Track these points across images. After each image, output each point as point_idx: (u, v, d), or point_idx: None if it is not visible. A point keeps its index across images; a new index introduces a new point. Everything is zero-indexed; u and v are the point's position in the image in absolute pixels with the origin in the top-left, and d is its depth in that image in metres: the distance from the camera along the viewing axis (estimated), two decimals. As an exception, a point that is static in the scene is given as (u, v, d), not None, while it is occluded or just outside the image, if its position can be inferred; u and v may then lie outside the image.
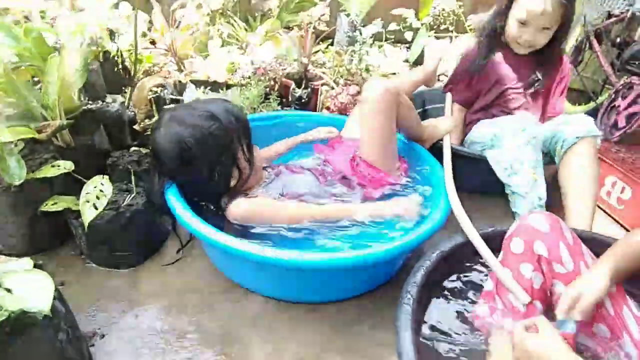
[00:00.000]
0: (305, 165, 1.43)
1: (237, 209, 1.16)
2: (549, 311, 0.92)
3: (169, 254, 1.34)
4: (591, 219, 1.33)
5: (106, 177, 1.23)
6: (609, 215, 1.71)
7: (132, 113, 1.70)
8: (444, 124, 1.65)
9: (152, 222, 1.33)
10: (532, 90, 1.69)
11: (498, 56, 1.71)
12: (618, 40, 2.17)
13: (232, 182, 1.20)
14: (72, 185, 1.26)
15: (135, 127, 1.62)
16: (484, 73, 1.72)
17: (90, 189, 1.18)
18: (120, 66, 1.73)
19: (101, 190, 1.19)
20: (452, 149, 1.54)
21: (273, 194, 1.25)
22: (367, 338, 1.10)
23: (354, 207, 1.24)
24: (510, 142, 1.45)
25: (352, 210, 1.21)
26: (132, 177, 1.30)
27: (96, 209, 1.16)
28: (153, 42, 2.38)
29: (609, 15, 2.26)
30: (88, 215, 1.13)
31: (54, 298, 0.82)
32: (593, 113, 2.21)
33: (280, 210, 1.18)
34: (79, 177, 1.24)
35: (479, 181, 1.57)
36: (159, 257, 1.33)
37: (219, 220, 1.19)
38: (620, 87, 2.00)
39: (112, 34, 1.82)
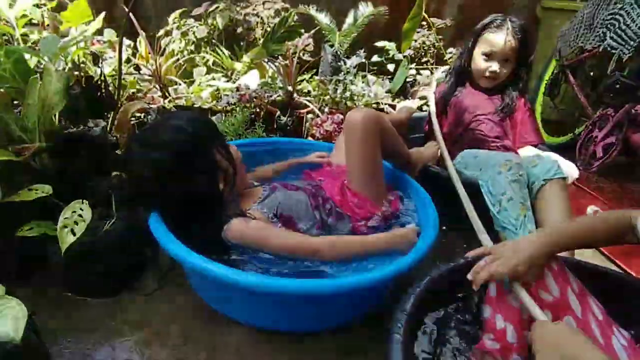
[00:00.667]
0: (301, 185, 1.41)
1: (232, 229, 1.14)
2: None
3: (149, 283, 1.29)
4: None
5: (85, 202, 1.19)
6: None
7: (115, 138, 1.67)
8: (430, 149, 1.70)
9: (132, 249, 1.28)
10: (502, 115, 1.77)
11: (467, 89, 1.84)
12: (592, 73, 2.26)
13: (221, 186, 1.18)
14: (50, 209, 1.21)
15: (118, 152, 1.58)
16: (455, 105, 1.84)
17: (68, 214, 1.14)
18: (103, 91, 1.70)
19: (80, 216, 1.15)
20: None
21: (268, 214, 1.22)
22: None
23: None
24: (498, 178, 1.46)
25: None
26: (113, 203, 1.26)
27: (74, 234, 1.11)
28: (137, 68, 2.37)
29: (582, 51, 2.36)
30: (66, 241, 1.08)
31: (26, 327, 0.77)
32: (571, 144, 2.29)
33: (274, 240, 1.15)
34: (58, 201, 1.19)
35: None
36: (139, 286, 1.28)
37: (215, 245, 1.16)
38: (597, 119, 2.07)
39: (95, 58, 1.80)
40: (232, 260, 1.15)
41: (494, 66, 1.72)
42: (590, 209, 1.75)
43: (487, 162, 1.51)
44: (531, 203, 1.43)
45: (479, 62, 1.76)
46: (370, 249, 1.20)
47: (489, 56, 1.73)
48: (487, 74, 1.75)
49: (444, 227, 1.48)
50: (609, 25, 2.11)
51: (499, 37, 1.69)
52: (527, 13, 3.25)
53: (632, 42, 1.95)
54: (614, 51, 2.07)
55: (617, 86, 1.80)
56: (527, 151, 1.73)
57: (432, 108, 1.88)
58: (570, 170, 1.62)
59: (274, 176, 1.58)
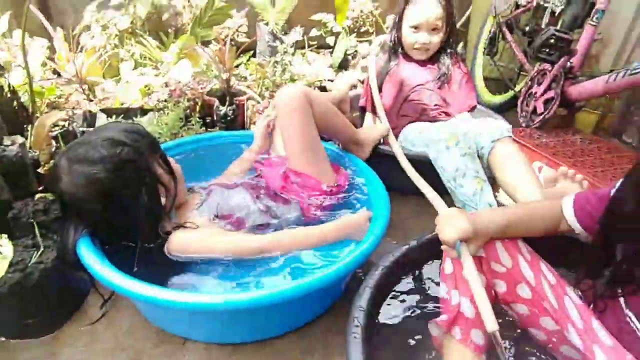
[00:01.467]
0: (238, 181, 1.36)
1: (173, 243, 1.08)
2: (496, 313, 0.91)
3: (92, 311, 1.19)
4: (539, 189, 1.34)
5: (4, 235, 1.08)
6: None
7: (37, 154, 1.53)
8: (380, 127, 1.66)
9: (67, 278, 1.18)
10: (439, 83, 1.76)
11: (402, 62, 1.83)
12: (527, 29, 2.27)
13: (163, 200, 1.11)
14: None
15: (40, 170, 1.45)
16: (392, 78, 1.81)
17: (-15, 253, 1.03)
18: (16, 104, 1.54)
19: (0, 253, 1.04)
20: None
21: (208, 216, 1.16)
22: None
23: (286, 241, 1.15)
24: (447, 154, 1.43)
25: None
26: (37, 230, 1.15)
27: (-5, 274, 1.00)
28: (56, 72, 2.18)
29: (517, 6, 2.36)
30: (-15, 283, 0.98)
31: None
32: (512, 101, 2.31)
33: (218, 247, 1.09)
34: (-29, 240, 1.07)
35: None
36: (81, 316, 1.18)
37: (157, 260, 1.09)
38: (535, 75, 2.09)
39: (0, 68, 1.62)
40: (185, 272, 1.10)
41: (423, 37, 1.73)
42: (535, 165, 1.77)
43: (433, 137, 1.49)
44: (486, 165, 1.43)
45: (407, 35, 1.75)
46: (318, 242, 1.15)
47: (416, 28, 1.72)
48: (418, 46, 1.75)
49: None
50: (538, -22, 2.11)
51: (423, 8, 1.68)
52: (460, -29, 3.22)
53: (562, -6, 1.96)
54: (547, 5, 2.08)
55: (552, 41, 1.80)
56: (466, 115, 1.73)
57: (373, 79, 1.83)
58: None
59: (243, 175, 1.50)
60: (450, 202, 1.34)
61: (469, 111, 1.77)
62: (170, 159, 1.20)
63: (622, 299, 0.84)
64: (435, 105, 1.74)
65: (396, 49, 1.84)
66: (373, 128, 1.68)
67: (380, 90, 1.83)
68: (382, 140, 1.66)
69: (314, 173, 1.31)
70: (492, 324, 0.80)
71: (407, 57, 1.83)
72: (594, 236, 0.90)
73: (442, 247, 0.92)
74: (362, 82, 2.22)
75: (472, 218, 0.88)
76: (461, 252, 0.87)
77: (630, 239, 0.81)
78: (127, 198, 1.05)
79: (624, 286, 0.84)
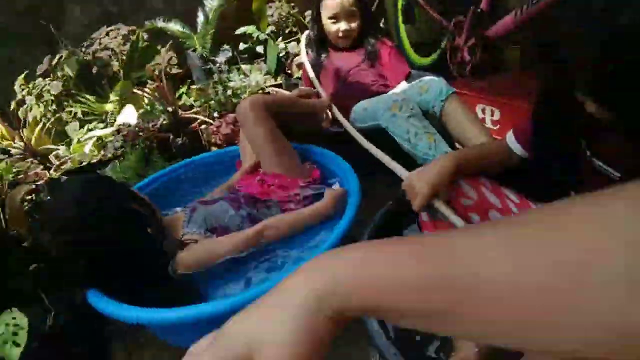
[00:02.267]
0: (217, 196, 1.43)
1: (180, 262, 1.14)
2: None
3: (120, 356, 1.24)
4: (487, 137, 1.52)
5: (15, 309, 1.11)
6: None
7: (15, 232, 1.55)
8: (323, 98, 1.83)
9: (86, 333, 1.23)
10: (369, 62, 1.88)
11: (331, 53, 1.94)
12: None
13: (150, 230, 1.15)
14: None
15: (25, 244, 1.47)
16: (326, 70, 1.93)
17: (2, 328, 1.06)
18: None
19: (16, 325, 1.08)
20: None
21: (198, 231, 1.22)
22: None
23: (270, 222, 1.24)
24: (395, 120, 1.55)
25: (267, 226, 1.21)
26: (44, 296, 1.19)
27: (18, 345, 1.05)
28: (5, 152, 2.17)
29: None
30: (13, 355, 1.02)
31: None
32: (443, 58, 2.47)
33: (222, 248, 1.16)
34: (-17, 323, 1.10)
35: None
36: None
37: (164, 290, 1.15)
38: (453, 28, 2.25)
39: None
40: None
41: (343, 25, 1.83)
42: (479, 107, 1.93)
43: (378, 108, 1.60)
44: (439, 123, 1.57)
45: (328, 26, 1.85)
46: (309, 220, 1.25)
47: (335, 18, 1.82)
48: (340, 34, 1.85)
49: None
50: None
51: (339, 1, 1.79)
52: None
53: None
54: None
55: None
56: (404, 84, 1.86)
57: (307, 64, 1.96)
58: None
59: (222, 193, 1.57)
60: (412, 163, 1.48)
61: (405, 79, 1.90)
62: (135, 192, 1.24)
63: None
64: (373, 81, 1.86)
65: (322, 41, 1.94)
66: (320, 100, 1.83)
67: (320, 83, 1.94)
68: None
69: (288, 172, 1.40)
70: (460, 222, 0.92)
71: (335, 48, 1.94)
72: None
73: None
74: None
75: (429, 176, 0.97)
76: (437, 208, 0.96)
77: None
78: (119, 243, 1.09)
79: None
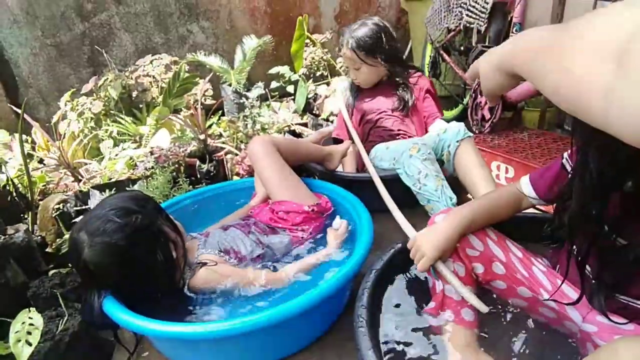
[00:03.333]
0: (229, 222, 1.51)
1: (200, 278, 1.21)
2: (481, 292, 1.05)
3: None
4: (492, 186, 1.58)
5: (33, 309, 1.17)
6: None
7: (39, 237, 1.63)
8: (344, 144, 1.92)
9: (93, 339, 1.27)
10: (403, 111, 1.98)
11: (364, 94, 2.06)
12: (462, 48, 2.55)
13: (174, 254, 1.22)
14: (-5, 331, 1.18)
15: (48, 250, 1.55)
16: (359, 109, 2.06)
17: (18, 326, 1.12)
18: (14, 194, 1.66)
19: (31, 324, 1.13)
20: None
21: (213, 252, 1.29)
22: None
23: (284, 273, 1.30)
24: (411, 161, 1.65)
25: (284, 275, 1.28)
26: (61, 300, 1.25)
27: (30, 345, 1.09)
28: (40, 161, 2.30)
29: (449, 31, 2.65)
30: (24, 354, 1.06)
31: None
32: (464, 114, 2.55)
33: (245, 279, 1.23)
34: (2, 318, 1.16)
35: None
36: (111, 372, 1.26)
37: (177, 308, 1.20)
38: (477, 87, 2.33)
39: (-2, 165, 1.74)
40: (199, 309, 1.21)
41: (352, 74, 2.00)
42: (494, 163, 1.98)
43: (398, 150, 1.71)
44: (451, 162, 1.68)
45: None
46: (315, 268, 1.31)
47: (347, 68, 2.02)
48: (355, 82, 2.03)
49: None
50: (462, 5, 2.40)
51: (345, 52, 1.95)
52: (394, 9, 3.57)
53: (483, 15, 2.24)
54: (472, 26, 2.36)
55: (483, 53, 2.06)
56: (435, 126, 1.94)
57: (344, 109, 2.08)
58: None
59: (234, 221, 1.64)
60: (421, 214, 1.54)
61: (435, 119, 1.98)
62: (170, 217, 1.33)
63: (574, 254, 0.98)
64: (399, 130, 1.96)
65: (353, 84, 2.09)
66: (338, 147, 1.92)
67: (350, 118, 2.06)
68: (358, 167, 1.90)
69: (294, 198, 1.50)
70: (480, 305, 0.96)
71: (364, 89, 2.06)
72: (553, 200, 1.00)
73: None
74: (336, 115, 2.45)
75: (436, 239, 1.00)
76: (440, 271, 1.00)
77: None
78: (145, 259, 1.16)
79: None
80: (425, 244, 1.01)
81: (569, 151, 0.98)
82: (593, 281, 0.88)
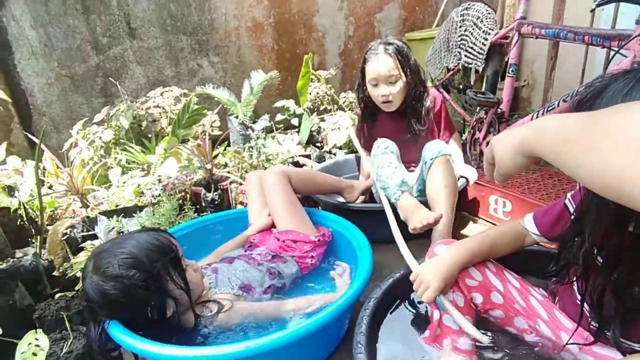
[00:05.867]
0: (233, 255, 1.53)
1: (219, 322, 1.22)
2: (479, 321, 1.08)
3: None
4: (449, 213, 1.63)
5: (39, 330, 1.20)
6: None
7: (46, 261, 1.67)
8: (368, 181, 1.95)
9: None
10: (412, 141, 1.95)
11: (379, 120, 2.01)
12: (461, 87, 2.64)
13: (169, 313, 1.18)
14: (0, 351, 1.20)
15: (55, 273, 1.58)
16: (372, 137, 1.97)
17: (24, 347, 1.14)
18: (25, 218, 1.71)
19: (37, 346, 1.16)
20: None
21: (231, 292, 1.31)
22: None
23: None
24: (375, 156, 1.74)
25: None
26: (67, 323, 1.28)
27: (35, 366, 1.12)
28: (50, 187, 2.36)
29: (448, 70, 2.75)
30: (29, 375, 1.09)
31: None
32: (463, 148, 2.62)
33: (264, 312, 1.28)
34: (9, 339, 1.19)
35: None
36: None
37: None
38: (475, 123, 2.41)
39: (11, 190, 1.80)
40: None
41: (383, 90, 1.84)
42: (492, 197, 2.03)
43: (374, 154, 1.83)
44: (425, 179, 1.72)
45: (371, 91, 1.90)
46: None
47: (376, 82, 1.85)
48: (381, 99, 1.87)
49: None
50: (461, 46, 2.51)
51: (376, 62, 1.81)
52: (396, 47, 3.71)
53: (480, 56, 2.34)
54: (470, 66, 2.46)
55: (473, 100, 2.14)
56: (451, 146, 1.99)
57: (356, 143, 2.13)
58: (471, 173, 1.92)
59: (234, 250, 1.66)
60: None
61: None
62: (193, 264, 1.29)
63: (575, 289, 1.00)
64: (410, 160, 1.96)
65: (368, 106, 2.02)
66: (362, 182, 1.98)
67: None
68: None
69: (300, 228, 1.56)
70: (481, 336, 0.99)
71: (383, 113, 1.98)
72: (556, 238, 1.04)
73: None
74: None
75: (440, 270, 1.03)
76: (442, 304, 1.04)
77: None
78: (133, 311, 1.15)
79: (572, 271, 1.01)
80: (429, 275, 1.04)
81: (572, 192, 1.02)
82: (601, 316, 0.88)
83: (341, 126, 2.77)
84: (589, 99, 0.75)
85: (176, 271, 1.20)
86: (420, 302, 1.22)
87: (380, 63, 1.80)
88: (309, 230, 1.59)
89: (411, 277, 1.11)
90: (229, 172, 2.35)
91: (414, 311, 1.23)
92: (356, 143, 2.13)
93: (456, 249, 1.07)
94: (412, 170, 1.97)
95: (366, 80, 1.89)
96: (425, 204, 1.69)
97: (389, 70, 1.81)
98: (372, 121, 2.06)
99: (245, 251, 1.58)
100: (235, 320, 1.23)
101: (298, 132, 3.01)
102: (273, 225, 1.67)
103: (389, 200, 1.72)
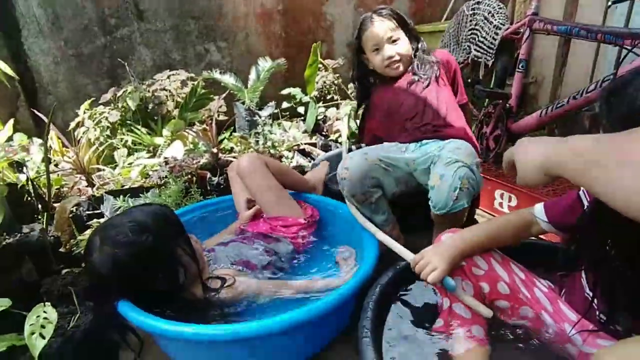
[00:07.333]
0: (225, 240, 1.54)
1: (223, 295, 1.23)
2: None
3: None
4: None
5: (48, 304, 1.21)
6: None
7: (53, 237, 1.68)
8: (321, 168, 1.97)
9: (102, 337, 1.30)
10: (423, 79, 1.73)
11: (382, 89, 1.82)
12: (469, 80, 2.64)
13: (181, 279, 1.21)
14: (9, 323, 1.21)
15: (61, 249, 1.59)
16: (376, 109, 1.84)
17: (33, 319, 1.15)
18: (33, 194, 1.71)
19: (45, 318, 1.16)
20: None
21: (226, 266, 1.33)
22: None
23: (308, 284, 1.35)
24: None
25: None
26: (75, 298, 1.29)
27: (43, 338, 1.12)
28: (55, 165, 2.37)
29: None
30: (37, 346, 1.10)
31: None
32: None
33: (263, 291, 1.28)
34: (18, 311, 1.20)
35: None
36: (117, 371, 1.29)
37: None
38: (482, 117, 2.41)
39: (19, 165, 1.80)
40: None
41: (388, 51, 1.72)
42: (498, 192, 2.03)
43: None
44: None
45: (374, 59, 1.76)
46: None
47: (378, 48, 1.73)
48: (387, 62, 1.73)
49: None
50: (471, 40, 2.51)
51: (373, 27, 1.71)
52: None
53: (491, 51, 2.34)
54: (480, 60, 2.46)
55: (481, 93, 2.14)
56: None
57: (344, 142, 2.09)
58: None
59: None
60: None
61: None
62: (192, 237, 1.32)
63: (583, 280, 1.00)
64: (425, 102, 1.69)
65: (365, 83, 1.88)
66: (315, 172, 1.98)
67: (371, 119, 1.89)
68: None
69: (288, 213, 1.57)
70: (485, 310, 1.00)
71: (387, 80, 1.81)
72: (565, 229, 1.04)
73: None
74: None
75: (445, 250, 1.05)
76: (449, 284, 1.04)
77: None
78: (145, 278, 1.17)
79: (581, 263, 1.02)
80: (434, 257, 1.05)
81: None
82: (611, 308, 0.90)
83: (341, 116, 2.76)
84: (620, 88, 0.76)
85: (182, 238, 1.24)
86: (427, 285, 1.19)
87: (377, 26, 1.71)
88: (296, 212, 1.59)
89: (412, 264, 1.11)
90: (234, 157, 2.35)
91: (420, 298, 1.24)
92: (344, 137, 2.09)
93: (462, 235, 1.08)
94: (420, 139, 1.64)
95: (366, 50, 1.77)
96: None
97: (389, 31, 1.71)
98: (368, 94, 1.89)
99: (239, 234, 1.59)
100: (241, 295, 1.24)
101: (304, 120, 3.00)
102: (260, 212, 1.66)
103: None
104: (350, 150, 1.96)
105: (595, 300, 0.94)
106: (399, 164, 1.56)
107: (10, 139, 2.19)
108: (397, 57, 1.73)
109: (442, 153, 1.43)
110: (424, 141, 1.61)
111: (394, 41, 1.72)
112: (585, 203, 0.99)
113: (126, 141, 2.45)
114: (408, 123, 1.69)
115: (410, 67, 1.77)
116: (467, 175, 1.35)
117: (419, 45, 1.78)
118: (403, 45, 1.74)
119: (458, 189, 1.33)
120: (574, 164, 0.65)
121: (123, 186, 2.06)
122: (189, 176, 1.99)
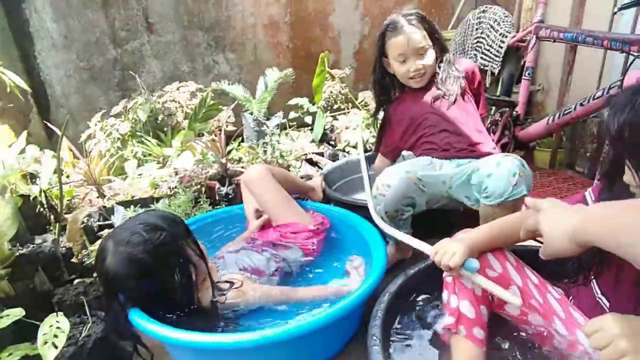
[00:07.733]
0: (235, 249, 1.56)
1: (229, 298, 1.25)
2: (492, 319, 1.08)
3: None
4: None
5: (60, 313, 1.22)
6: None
7: (64, 248, 1.70)
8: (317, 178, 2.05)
9: (114, 346, 1.32)
10: (448, 104, 1.66)
11: (404, 99, 1.76)
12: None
13: (193, 277, 1.25)
14: (24, 331, 1.23)
15: (73, 260, 1.61)
16: (397, 117, 1.76)
17: (46, 329, 1.17)
18: (45, 205, 1.74)
19: (58, 328, 1.18)
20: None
21: (234, 271, 1.36)
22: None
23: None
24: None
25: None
26: (86, 308, 1.30)
27: (56, 347, 1.14)
28: (67, 177, 2.40)
29: (463, 72, 2.75)
30: (50, 355, 1.11)
31: None
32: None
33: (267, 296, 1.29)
34: (32, 321, 1.22)
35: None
36: (128, 380, 1.30)
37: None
38: (490, 125, 2.42)
39: (32, 177, 1.84)
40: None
41: (414, 65, 1.63)
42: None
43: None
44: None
45: (398, 68, 1.66)
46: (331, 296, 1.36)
47: (404, 57, 1.63)
48: (412, 74, 1.65)
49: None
50: (477, 48, 2.52)
51: (401, 35, 1.60)
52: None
53: (497, 59, 2.35)
54: (486, 68, 2.47)
55: (489, 100, 2.14)
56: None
57: (360, 150, 2.08)
58: None
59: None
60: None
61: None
62: (198, 241, 1.36)
63: (594, 284, 1.01)
64: (454, 118, 1.64)
65: (386, 88, 1.78)
66: (317, 178, 2.06)
67: (389, 129, 1.82)
68: None
69: (297, 220, 1.59)
70: (514, 299, 0.99)
71: (409, 91, 1.74)
72: None
73: (446, 274, 1.08)
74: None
75: (464, 242, 1.05)
76: (471, 267, 1.02)
77: None
78: (163, 275, 1.21)
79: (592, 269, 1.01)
80: (453, 243, 1.06)
81: (593, 186, 1.04)
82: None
83: (352, 126, 2.77)
84: None
85: (190, 238, 1.30)
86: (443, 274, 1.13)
87: (406, 35, 1.59)
88: (304, 220, 1.61)
89: (431, 255, 1.10)
90: (242, 167, 2.37)
91: (428, 307, 1.24)
92: (360, 147, 2.10)
93: (478, 229, 1.12)
94: (447, 151, 1.59)
95: (390, 56, 1.67)
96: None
97: (417, 42, 1.60)
98: (386, 103, 1.80)
99: (248, 243, 1.60)
100: (249, 300, 1.26)
101: (311, 130, 3.02)
102: (269, 222, 1.70)
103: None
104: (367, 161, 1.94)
105: (607, 303, 0.93)
106: (437, 182, 1.51)
107: (23, 151, 2.23)
108: (423, 71, 1.65)
109: (485, 161, 1.39)
110: (460, 161, 1.55)
111: (422, 54, 1.63)
112: (590, 203, 1.00)
113: (136, 152, 2.49)
114: (436, 138, 1.62)
115: (434, 79, 1.70)
116: (522, 165, 1.32)
117: (445, 57, 1.70)
118: (430, 57, 1.65)
119: (517, 174, 1.29)
120: (608, 233, 0.67)
121: (133, 197, 2.08)
122: (198, 186, 2.01)
